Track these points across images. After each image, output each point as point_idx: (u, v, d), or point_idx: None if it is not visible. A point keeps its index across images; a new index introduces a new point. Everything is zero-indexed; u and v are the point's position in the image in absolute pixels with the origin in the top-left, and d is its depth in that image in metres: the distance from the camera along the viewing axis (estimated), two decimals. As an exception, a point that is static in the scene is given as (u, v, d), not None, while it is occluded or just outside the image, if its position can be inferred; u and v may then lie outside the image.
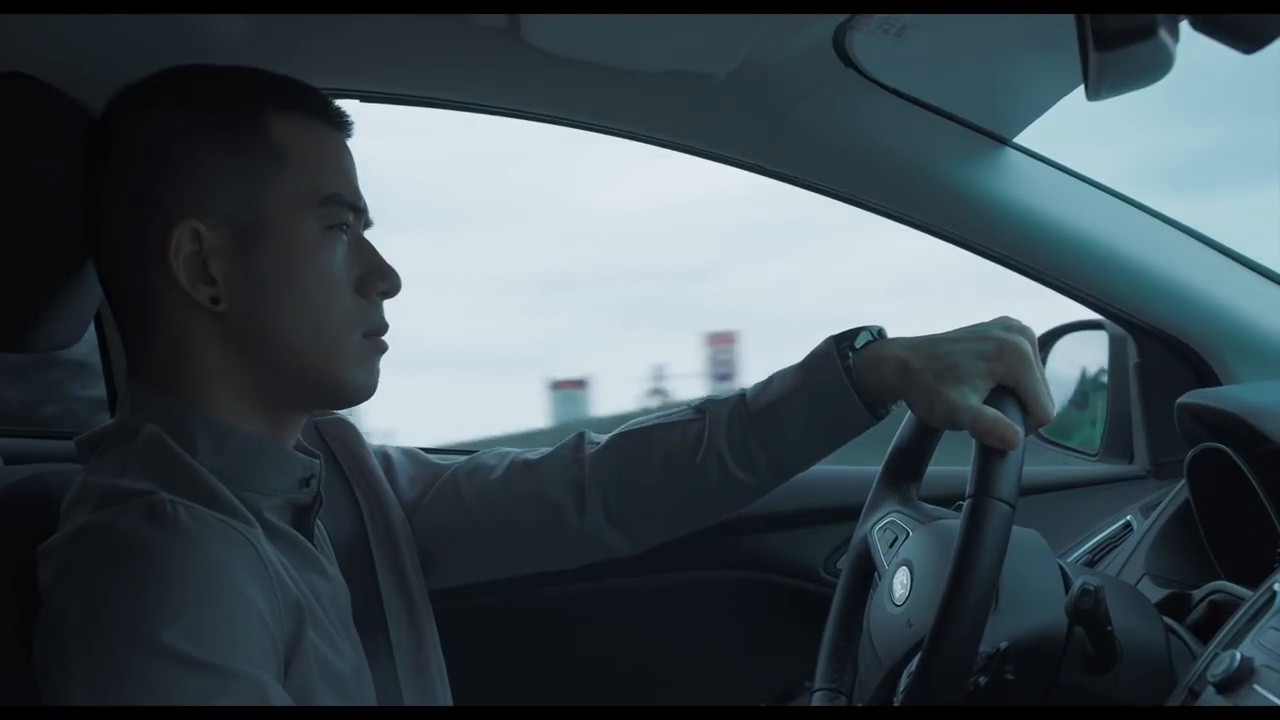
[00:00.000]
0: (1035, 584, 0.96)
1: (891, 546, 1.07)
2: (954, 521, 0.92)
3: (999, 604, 0.91)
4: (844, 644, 1.12)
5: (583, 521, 1.07)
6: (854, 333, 1.01)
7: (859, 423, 1.01)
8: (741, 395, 1.05)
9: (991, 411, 0.91)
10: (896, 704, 0.93)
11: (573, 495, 1.07)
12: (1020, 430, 0.91)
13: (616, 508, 1.07)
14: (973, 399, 0.93)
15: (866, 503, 1.15)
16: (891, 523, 1.10)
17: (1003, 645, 0.90)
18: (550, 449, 1.11)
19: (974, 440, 0.91)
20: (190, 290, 0.88)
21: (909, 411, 1.10)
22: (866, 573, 1.12)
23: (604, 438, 1.10)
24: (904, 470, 1.13)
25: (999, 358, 0.94)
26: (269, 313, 0.89)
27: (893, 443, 1.14)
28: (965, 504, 0.88)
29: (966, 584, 0.85)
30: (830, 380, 1.00)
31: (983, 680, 0.90)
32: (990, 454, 0.90)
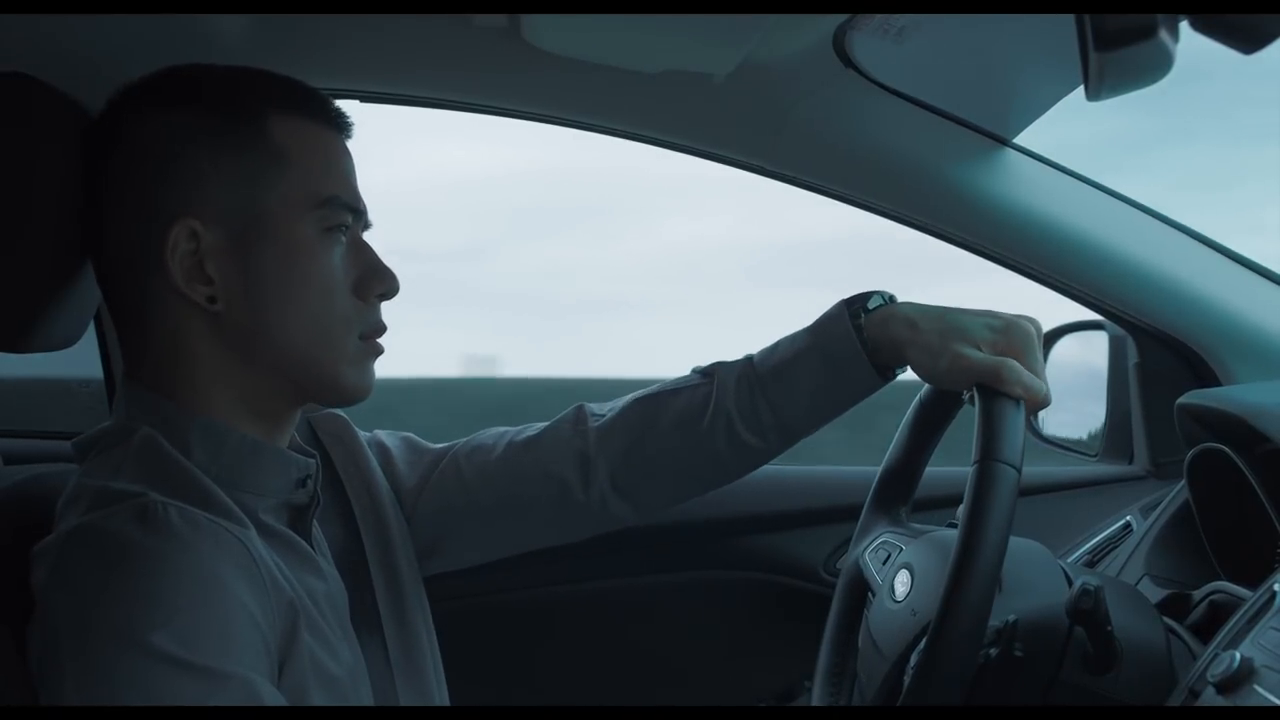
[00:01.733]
0: (1039, 576, 0.97)
1: (885, 564, 1.08)
2: (950, 532, 0.92)
3: (1003, 588, 0.90)
4: (839, 667, 1.13)
5: (588, 494, 1.07)
6: (865, 296, 1.02)
7: (867, 384, 1.03)
8: (749, 359, 1.06)
9: (1014, 363, 0.93)
10: (906, 684, 0.93)
11: (577, 468, 1.07)
12: (1042, 386, 0.93)
13: (624, 477, 1.07)
14: (982, 355, 0.95)
15: (858, 527, 1.16)
16: (884, 543, 1.11)
17: (1011, 619, 0.90)
18: (547, 424, 1.11)
19: (977, 409, 0.93)
20: (186, 290, 0.87)
21: (897, 434, 1.13)
22: (860, 596, 1.12)
23: (606, 408, 1.10)
24: (894, 493, 1.15)
25: (1005, 332, 0.96)
26: (266, 313, 0.89)
27: (881, 466, 1.16)
28: (972, 469, 0.89)
29: (978, 544, 0.85)
30: (841, 341, 1.01)
31: (993, 652, 0.90)
32: (994, 421, 0.91)
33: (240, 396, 0.90)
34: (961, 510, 0.88)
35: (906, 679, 0.94)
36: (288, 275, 0.89)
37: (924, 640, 0.88)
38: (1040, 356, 0.97)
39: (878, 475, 1.16)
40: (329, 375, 0.92)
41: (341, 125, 0.95)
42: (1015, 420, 0.91)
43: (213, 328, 0.89)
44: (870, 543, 1.12)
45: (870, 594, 1.08)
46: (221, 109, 0.90)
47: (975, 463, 0.89)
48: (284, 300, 0.89)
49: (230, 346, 0.89)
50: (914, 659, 0.94)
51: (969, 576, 0.85)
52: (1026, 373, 0.93)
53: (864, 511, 1.16)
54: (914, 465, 1.13)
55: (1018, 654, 0.90)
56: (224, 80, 0.93)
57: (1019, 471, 0.88)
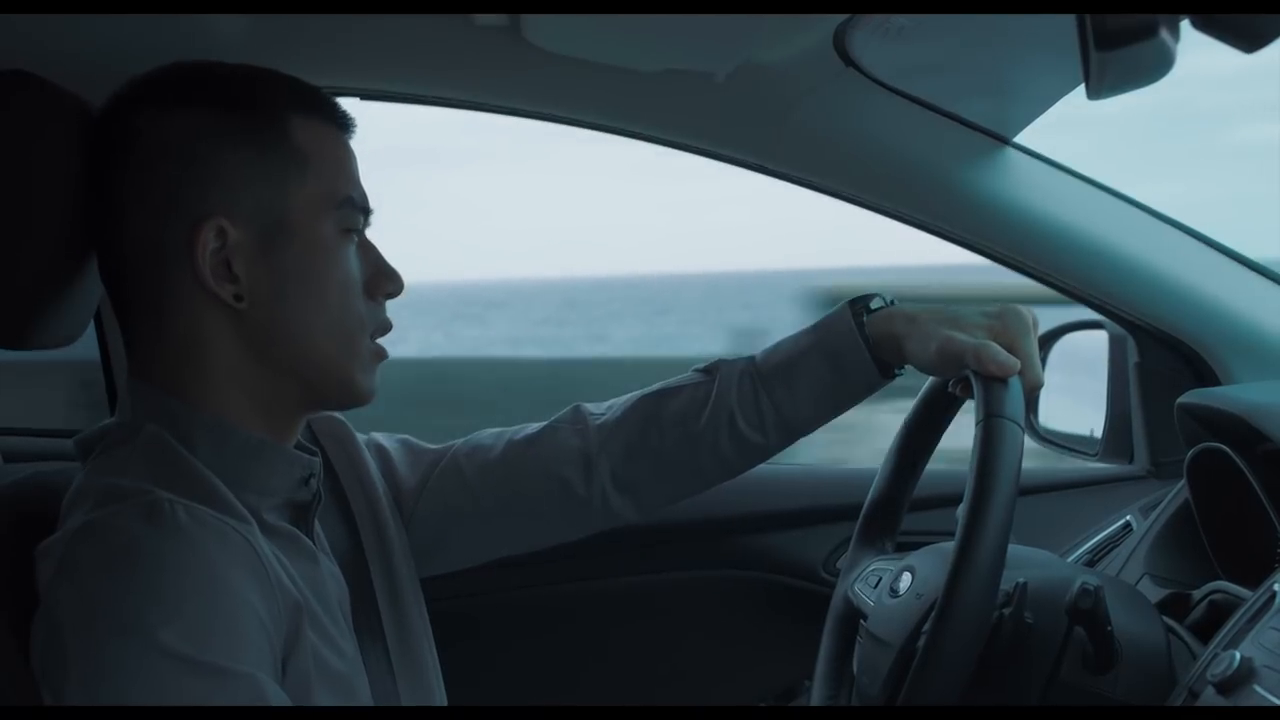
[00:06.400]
0: (1042, 557, 1.00)
1: (876, 587, 1.08)
2: (946, 544, 0.92)
3: (1007, 566, 0.91)
4: (834, 700, 1.13)
5: (589, 491, 1.08)
6: (868, 298, 1.05)
7: (870, 382, 1.05)
8: (751, 358, 1.08)
9: (993, 344, 0.95)
10: (919, 650, 0.93)
11: (579, 465, 1.08)
12: (1017, 362, 0.95)
13: (625, 474, 1.08)
14: (966, 337, 0.97)
15: (845, 563, 1.17)
16: (874, 570, 1.11)
17: (1021, 580, 0.91)
18: (545, 423, 1.12)
19: (974, 384, 0.95)
20: (215, 289, 0.87)
21: (881, 466, 1.14)
22: (851, 628, 1.12)
23: (604, 407, 1.11)
24: (879, 525, 1.15)
25: (1000, 317, 0.99)
26: (290, 312, 0.90)
27: (867, 499, 1.16)
28: (976, 430, 0.90)
29: (991, 494, 0.86)
30: (844, 339, 1.03)
31: (1005, 612, 0.90)
32: (993, 386, 0.93)
33: (252, 395, 0.90)
34: (969, 466, 0.88)
35: (919, 644, 0.93)
36: (312, 275, 0.90)
37: (933, 615, 0.88)
38: (1034, 340, 0.99)
39: (863, 509, 1.16)
40: (344, 376, 0.93)
41: (348, 125, 0.95)
42: (1013, 385, 0.93)
43: (234, 325, 0.89)
44: (858, 575, 1.13)
45: (863, 619, 1.08)
46: (243, 109, 0.90)
47: (979, 422, 0.90)
48: (308, 299, 0.90)
49: (250, 344, 0.89)
50: (927, 625, 0.94)
51: (983, 527, 0.85)
52: (1005, 353, 0.95)
53: (850, 547, 1.17)
54: (899, 497, 1.15)
55: (1028, 620, 0.90)
56: (240, 80, 0.92)
57: (1022, 428, 0.90)
